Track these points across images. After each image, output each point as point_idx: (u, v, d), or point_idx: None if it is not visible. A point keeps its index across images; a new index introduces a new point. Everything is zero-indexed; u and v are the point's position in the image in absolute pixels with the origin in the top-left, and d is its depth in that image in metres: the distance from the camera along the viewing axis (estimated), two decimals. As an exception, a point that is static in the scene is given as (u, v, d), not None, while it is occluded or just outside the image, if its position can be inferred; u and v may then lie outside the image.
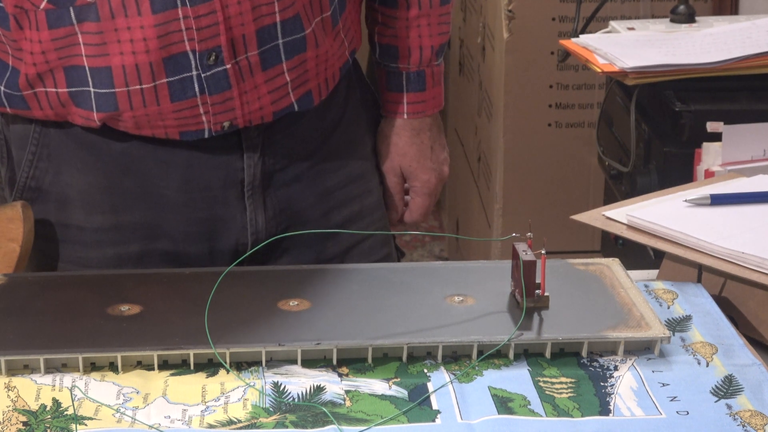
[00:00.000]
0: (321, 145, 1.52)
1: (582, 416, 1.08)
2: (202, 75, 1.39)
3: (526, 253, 1.21)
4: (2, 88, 1.42)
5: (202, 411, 1.08)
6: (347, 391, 1.11)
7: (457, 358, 1.17)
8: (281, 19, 1.41)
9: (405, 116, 1.59)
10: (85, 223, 1.46)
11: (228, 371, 1.13)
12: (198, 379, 1.13)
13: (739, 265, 1.29)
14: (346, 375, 1.14)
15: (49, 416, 1.07)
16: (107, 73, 1.37)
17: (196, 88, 1.39)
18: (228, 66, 1.39)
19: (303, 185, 1.50)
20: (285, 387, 1.11)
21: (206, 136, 1.42)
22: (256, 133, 1.45)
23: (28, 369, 1.13)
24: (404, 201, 1.65)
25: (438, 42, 1.58)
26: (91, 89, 1.38)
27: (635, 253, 1.75)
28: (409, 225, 1.63)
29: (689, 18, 2.17)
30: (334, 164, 1.54)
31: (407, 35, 1.57)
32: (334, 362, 1.15)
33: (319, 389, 1.11)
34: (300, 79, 1.45)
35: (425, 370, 1.14)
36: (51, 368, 1.13)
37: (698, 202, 1.43)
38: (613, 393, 1.11)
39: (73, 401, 1.08)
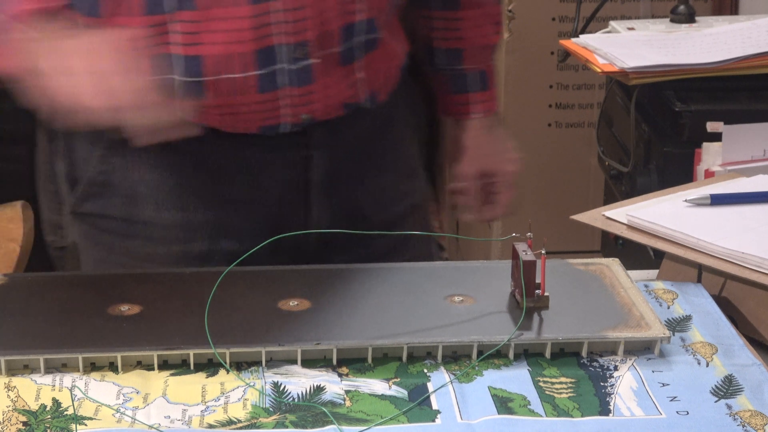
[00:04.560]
0: (378, 143, 1.53)
1: (582, 416, 1.08)
2: (290, 68, 1.39)
3: (526, 253, 1.21)
4: None
5: (202, 411, 1.08)
6: (347, 391, 1.11)
7: (457, 358, 1.17)
8: (361, 18, 1.43)
9: (478, 116, 1.60)
10: (153, 219, 1.45)
11: (228, 371, 1.13)
12: (198, 379, 1.13)
13: (739, 265, 1.29)
14: (346, 375, 1.14)
15: (49, 416, 1.07)
16: (197, 62, 1.37)
17: (283, 81, 1.39)
18: (314, 60, 1.40)
19: (361, 183, 1.51)
20: (285, 387, 1.11)
21: (285, 130, 1.42)
22: (323, 131, 1.46)
23: (28, 369, 1.13)
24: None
25: (496, 40, 1.61)
26: (176, 77, 1.38)
27: (635, 253, 1.76)
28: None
29: (689, 18, 2.17)
30: (387, 162, 1.55)
31: (472, 35, 1.58)
32: (334, 362, 1.15)
33: (319, 389, 1.11)
34: (370, 76, 1.47)
35: (425, 370, 1.14)
36: (51, 368, 1.13)
37: (698, 202, 1.43)
38: (613, 393, 1.11)
39: (73, 401, 1.08)
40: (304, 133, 1.44)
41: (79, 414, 1.07)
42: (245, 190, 1.45)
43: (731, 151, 1.69)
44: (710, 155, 1.71)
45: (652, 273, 1.41)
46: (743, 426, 1.06)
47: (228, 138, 1.43)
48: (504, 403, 1.09)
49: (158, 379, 1.12)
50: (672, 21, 2.17)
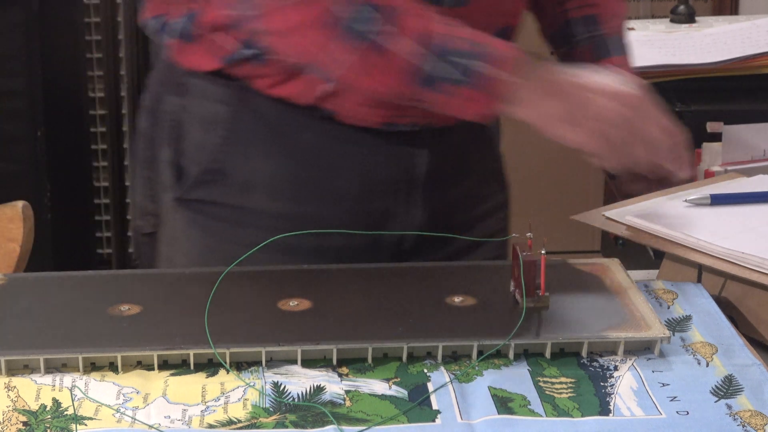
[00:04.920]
0: (473, 144, 1.54)
1: (582, 416, 1.08)
2: None
3: (526, 253, 1.21)
4: (246, 51, 1.41)
5: (202, 411, 1.08)
6: (347, 391, 1.11)
7: (457, 358, 1.17)
8: (512, 24, 1.45)
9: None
10: (266, 209, 1.46)
11: (228, 371, 1.13)
12: (198, 379, 1.13)
13: (739, 265, 1.29)
14: (346, 375, 1.14)
15: (49, 416, 1.07)
16: None
17: None
18: None
19: (456, 183, 1.52)
20: (285, 387, 1.11)
21: (404, 129, 1.43)
22: (431, 133, 1.47)
23: (28, 369, 1.13)
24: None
25: (625, 9, 1.60)
26: None
27: (635, 253, 1.75)
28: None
29: (689, 18, 2.17)
30: (478, 162, 1.56)
31: (603, 1, 1.58)
32: (334, 362, 1.15)
33: (319, 389, 1.11)
34: None
35: (425, 370, 1.14)
36: (51, 368, 1.13)
37: (698, 202, 1.43)
38: (613, 393, 1.11)
39: (73, 401, 1.08)
40: (413, 133, 1.45)
41: (79, 414, 1.07)
42: (355, 185, 1.46)
43: (731, 151, 1.69)
44: (710, 155, 1.71)
45: (652, 273, 1.41)
46: (743, 426, 1.06)
47: (342, 132, 1.43)
48: (504, 403, 1.09)
49: (158, 379, 1.12)
50: (672, 21, 2.17)
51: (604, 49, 1.57)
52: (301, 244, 1.44)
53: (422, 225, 1.50)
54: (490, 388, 1.11)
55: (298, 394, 1.10)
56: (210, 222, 1.47)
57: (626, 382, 1.13)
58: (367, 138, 1.44)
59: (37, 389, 1.10)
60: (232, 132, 1.44)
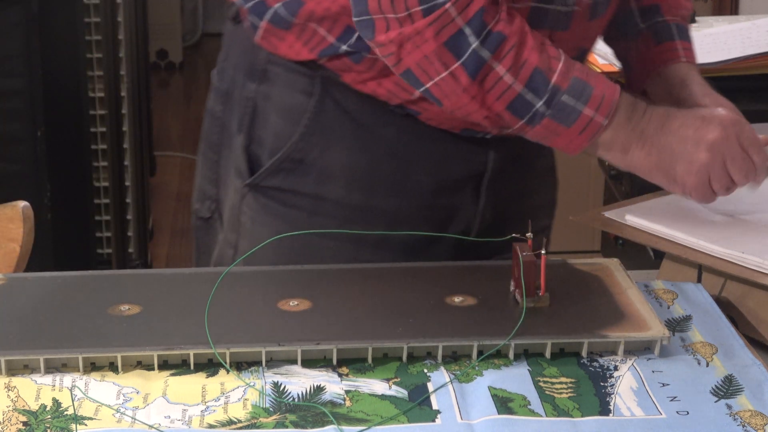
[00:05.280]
0: (533, 143, 1.54)
1: (582, 416, 1.08)
2: (559, 9, 1.40)
3: (526, 254, 1.21)
4: (343, 46, 1.40)
5: (202, 411, 1.08)
6: (347, 391, 1.11)
7: (457, 358, 1.17)
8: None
9: (686, 62, 1.54)
10: (342, 199, 1.46)
11: (228, 371, 1.13)
12: (198, 379, 1.13)
13: (738, 265, 1.29)
14: (346, 375, 1.14)
15: (49, 416, 1.07)
16: None
17: (548, 21, 1.40)
18: (576, 8, 1.40)
19: (517, 177, 1.53)
20: (285, 387, 1.11)
21: (485, 136, 1.44)
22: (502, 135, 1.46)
23: (28, 369, 1.13)
24: None
25: (691, 7, 1.59)
26: None
27: (635, 253, 1.75)
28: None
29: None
30: (535, 157, 1.57)
31: None
32: (334, 362, 1.15)
33: (319, 389, 1.11)
34: None
35: (425, 370, 1.14)
36: (51, 368, 1.13)
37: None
38: (613, 393, 1.11)
39: (73, 401, 1.08)
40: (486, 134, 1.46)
41: (79, 414, 1.07)
42: (430, 180, 1.47)
43: (731, 151, 1.68)
44: (710, 155, 1.70)
45: (652, 273, 1.41)
46: (743, 426, 1.06)
47: (422, 129, 1.44)
48: (504, 403, 1.09)
49: (158, 379, 1.12)
50: (672, 21, 2.17)
51: (667, 33, 1.55)
52: (369, 236, 1.45)
53: (491, 221, 1.51)
54: (490, 388, 1.11)
55: (298, 394, 1.10)
56: (285, 209, 1.47)
57: (626, 382, 1.13)
58: (444, 136, 1.44)
59: (37, 389, 1.10)
60: (313, 122, 1.45)
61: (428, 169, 1.46)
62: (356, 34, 1.37)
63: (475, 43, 1.28)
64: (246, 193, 1.47)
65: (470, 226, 1.49)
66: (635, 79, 1.56)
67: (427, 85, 1.31)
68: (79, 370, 1.13)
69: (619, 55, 1.58)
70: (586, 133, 1.32)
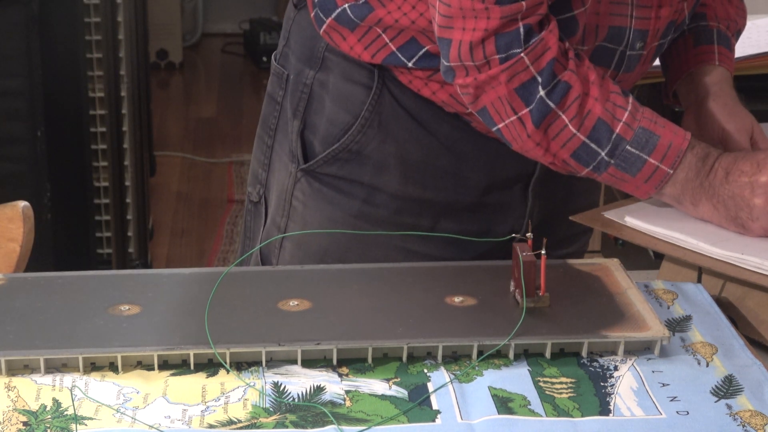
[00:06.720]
0: None
1: (582, 416, 1.08)
2: (628, 53, 1.41)
3: (526, 254, 1.21)
4: (406, 60, 1.42)
5: (202, 411, 1.08)
6: (347, 391, 1.11)
7: (457, 358, 1.17)
8: (673, 19, 1.45)
9: (722, 66, 1.56)
10: (396, 191, 1.48)
11: (228, 371, 1.13)
12: (198, 379, 1.13)
13: (738, 266, 1.29)
14: (346, 375, 1.14)
15: (49, 416, 1.07)
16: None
17: (615, 63, 1.42)
18: (643, 52, 1.42)
19: (565, 181, 1.53)
20: (285, 387, 1.11)
21: None
22: None
23: (28, 369, 1.13)
24: None
25: (742, 25, 1.61)
26: None
27: (635, 253, 1.75)
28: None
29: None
30: None
31: (714, 3, 1.58)
32: (334, 362, 1.15)
33: (319, 389, 1.11)
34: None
35: (425, 370, 1.14)
36: (51, 368, 1.13)
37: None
38: (613, 393, 1.11)
39: (73, 401, 1.08)
40: None
41: (79, 414, 1.07)
42: (483, 177, 1.48)
43: (731, 151, 1.68)
44: (710, 155, 1.70)
45: (652, 273, 1.41)
46: (743, 426, 1.06)
47: (477, 128, 1.45)
48: (504, 403, 1.09)
49: (158, 379, 1.12)
50: (672, 21, 2.17)
51: (707, 37, 1.56)
52: (419, 227, 1.47)
53: (540, 219, 1.52)
54: (490, 388, 1.11)
55: (298, 394, 1.10)
56: (339, 196, 1.49)
57: (626, 382, 1.13)
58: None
59: (37, 389, 1.10)
60: (371, 113, 1.46)
61: (480, 165, 1.48)
62: (421, 51, 1.41)
63: (543, 92, 1.31)
64: (300, 177, 1.49)
65: (518, 225, 1.51)
66: (670, 79, 1.57)
67: (499, 126, 1.34)
68: (79, 370, 1.13)
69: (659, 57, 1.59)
70: (651, 181, 1.34)
